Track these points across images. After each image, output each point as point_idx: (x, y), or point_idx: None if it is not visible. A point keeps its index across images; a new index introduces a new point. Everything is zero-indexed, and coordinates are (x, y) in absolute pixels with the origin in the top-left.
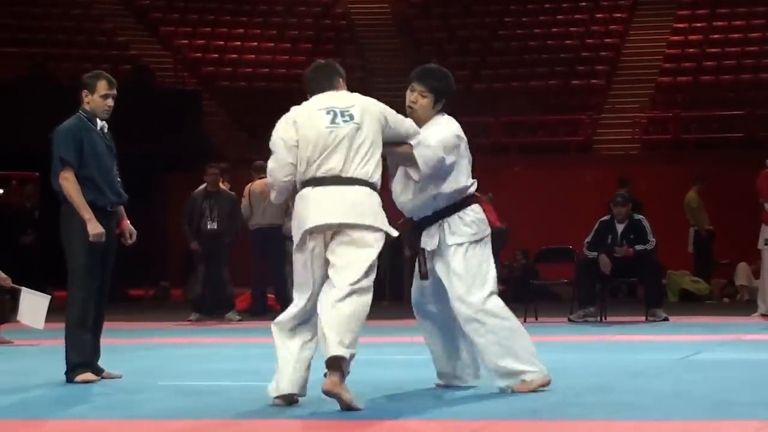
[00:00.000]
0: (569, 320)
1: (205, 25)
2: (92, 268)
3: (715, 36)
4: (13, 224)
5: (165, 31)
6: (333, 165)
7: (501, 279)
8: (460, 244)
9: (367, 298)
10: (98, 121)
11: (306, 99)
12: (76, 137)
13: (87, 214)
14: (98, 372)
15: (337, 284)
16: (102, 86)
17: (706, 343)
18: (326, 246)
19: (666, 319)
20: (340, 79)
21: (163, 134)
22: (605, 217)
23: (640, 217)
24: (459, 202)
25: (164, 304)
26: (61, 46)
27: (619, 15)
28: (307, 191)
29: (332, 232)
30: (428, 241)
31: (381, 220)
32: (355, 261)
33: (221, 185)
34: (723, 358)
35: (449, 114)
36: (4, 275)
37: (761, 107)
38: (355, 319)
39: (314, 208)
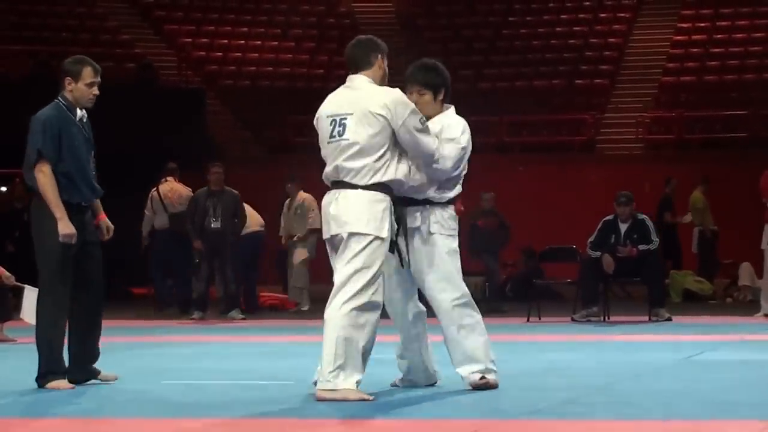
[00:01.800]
0: (572, 320)
1: (209, 24)
2: (63, 270)
3: (719, 36)
4: (2, 224)
5: (169, 29)
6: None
7: (503, 279)
8: (449, 236)
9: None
10: (78, 110)
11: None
12: (54, 128)
13: (59, 212)
14: (93, 374)
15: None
16: (87, 73)
17: (709, 344)
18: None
19: (669, 319)
20: (375, 57)
21: (166, 132)
22: (609, 217)
23: (644, 216)
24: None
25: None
26: (65, 44)
27: (622, 15)
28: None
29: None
30: (411, 221)
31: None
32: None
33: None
34: (726, 358)
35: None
36: (7, 273)
37: (765, 107)
38: None
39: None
